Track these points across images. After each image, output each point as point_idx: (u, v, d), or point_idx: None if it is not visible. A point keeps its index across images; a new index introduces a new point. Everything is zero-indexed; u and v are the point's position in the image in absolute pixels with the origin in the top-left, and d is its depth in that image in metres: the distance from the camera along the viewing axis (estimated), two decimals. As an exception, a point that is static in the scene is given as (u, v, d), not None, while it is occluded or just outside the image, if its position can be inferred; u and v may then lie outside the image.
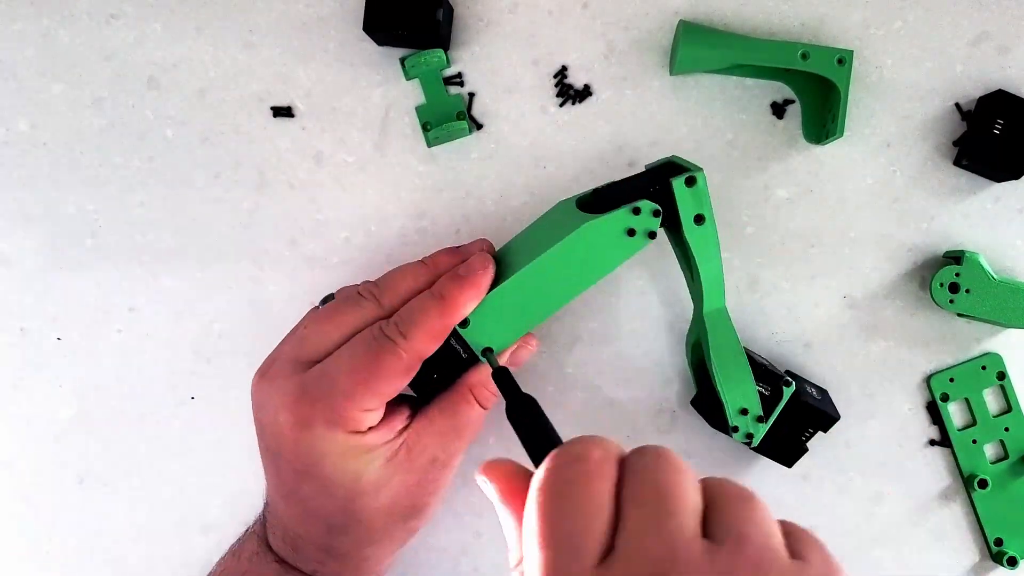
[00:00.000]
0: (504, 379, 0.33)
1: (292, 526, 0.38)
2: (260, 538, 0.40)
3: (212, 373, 0.46)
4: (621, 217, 0.37)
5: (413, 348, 0.36)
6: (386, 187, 0.45)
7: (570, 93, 0.44)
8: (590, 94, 0.44)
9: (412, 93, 0.44)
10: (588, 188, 0.44)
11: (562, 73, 0.44)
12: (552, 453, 0.26)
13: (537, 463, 0.27)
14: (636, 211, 0.36)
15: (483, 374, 0.39)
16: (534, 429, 0.30)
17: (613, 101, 0.44)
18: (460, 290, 0.37)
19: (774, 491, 0.45)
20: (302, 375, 0.36)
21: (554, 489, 0.25)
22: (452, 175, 0.44)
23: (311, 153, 0.45)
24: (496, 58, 0.44)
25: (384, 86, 0.44)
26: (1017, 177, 0.42)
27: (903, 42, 0.43)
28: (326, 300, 0.40)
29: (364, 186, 0.45)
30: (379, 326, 0.36)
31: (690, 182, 0.37)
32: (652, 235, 0.37)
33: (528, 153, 0.44)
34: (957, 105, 0.43)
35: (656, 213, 0.37)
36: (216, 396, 0.46)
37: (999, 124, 0.41)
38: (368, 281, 0.40)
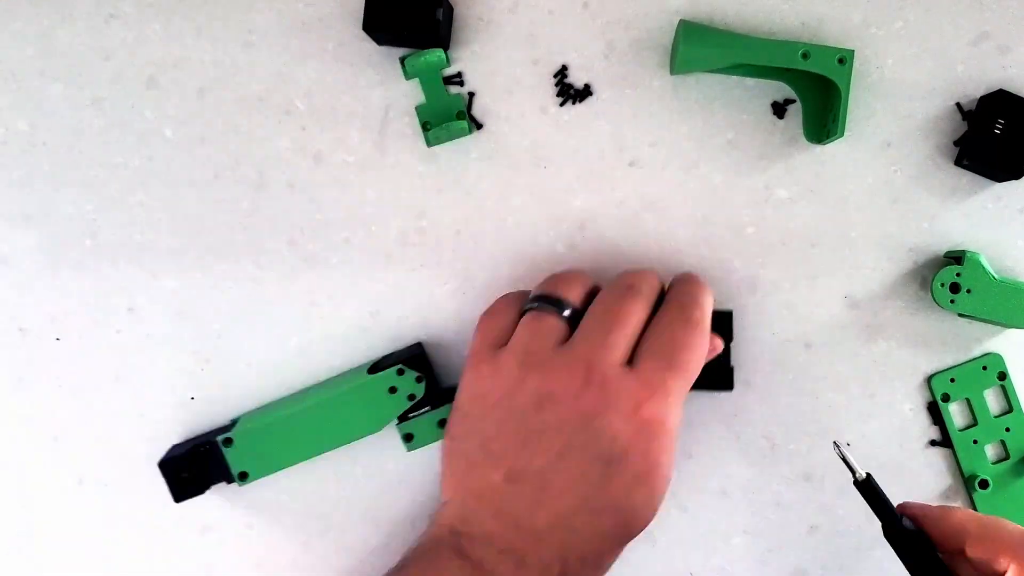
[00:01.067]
0: (874, 495, 0.37)
1: (563, 548, 0.36)
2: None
3: (212, 373, 0.46)
4: (387, 377, 0.42)
5: (708, 325, 0.38)
6: (386, 187, 0.45)
7: (570, 93, 0.44)
8: (590, 94, 0.44)
9: (412, 93, 0.44)
10: (587, 188, 0.44)
11: (562, 73, 0.44)
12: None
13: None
14: (400, 372, 0.42)
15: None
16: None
17: (613, 101, 0.44)
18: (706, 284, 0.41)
19: (774, 490, 0.45)
20: (635, 374, 0.37)
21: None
22: (452, 175, 0.44)
23: (311, 153, 0.45)
24: (496, 58, 0.44)
25: (384, 86, 0.44)
26: (1018, 177, 0.42)
27: (904, 42, 0.43)
28: (540, 300, 0.40)
29: (364, 186, 0.45)
30: (677, 307, 0.39)
31: None
32: (411, 397, 0.42)
33: (528, 153, 0.44)
34: (958, 105, 0.43)
35: (419, 379, 0.42)
36: (216, 396, 0.46)
37: (1000, 124, 0.41)
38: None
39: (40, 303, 0.45)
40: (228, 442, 0.42)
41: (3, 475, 0.46)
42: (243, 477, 0.42)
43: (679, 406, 0.37)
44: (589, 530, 0.36)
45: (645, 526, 0.37)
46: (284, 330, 0.45)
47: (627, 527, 0.36)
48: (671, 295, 0.40)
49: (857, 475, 0.36)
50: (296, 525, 0.46)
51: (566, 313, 0.39)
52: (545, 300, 0.39)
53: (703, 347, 0.38)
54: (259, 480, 0.44)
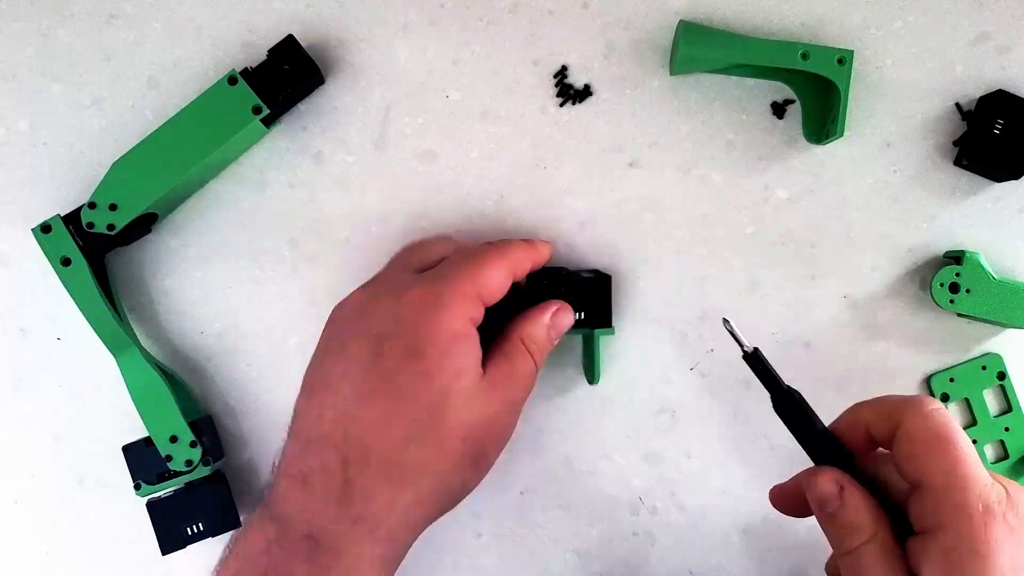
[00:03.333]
0: (761, 368, 0.35)
1: (344, 445, 0.35)
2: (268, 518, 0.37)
3: (212, 373, 0.46)
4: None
5: (509, 251, 0.39)
6: (386, 187, 0.45)
7: (570, 93, 0.44)
8: (590, 94, 0.44)
9: (412, 92, 0.44)
10: (587, 188, 0.44)
11: (562, 73, 0.44)
12: None
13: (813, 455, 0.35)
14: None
15: (535, 325, 0.40)
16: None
17: (613, 101, 0.44)
18: (544, 246, 0.42)
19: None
20: (417, 276, 0.38)
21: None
22: (452, 175, 0.44)
23: (311, 153, 0.45)
24: (496, 58, 0.44)
25: (384, 86, 0.44)
26: (1017, 177, 0.42)
27: (903, 42, 0.43)
28: None
29: (364, 186, 0.45)
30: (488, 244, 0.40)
31: None
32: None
33: (528, 153, 0.44)
34: (957, 105, 0.43)
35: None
36: (216, 396, 0.46)
37: (999, 124, 0.41)
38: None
39: (40, 303, 0.45)
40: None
41: (3, 475, 0.46)
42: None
43: (462, 300, 0.37)
44: (367, 415, 0.36)
45: (429, 413, 0.36)
46: (284, 330, 0.45)
47: (406, 411, 0.35)
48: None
49: (745, 348, 0.35)
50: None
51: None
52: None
53: (495, 263, 0.38)
54: (260, 478, 0.44)
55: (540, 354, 0.40)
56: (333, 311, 0.39)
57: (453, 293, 0.37)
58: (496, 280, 0.38)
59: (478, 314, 0.38)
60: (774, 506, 0.38)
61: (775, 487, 0.38)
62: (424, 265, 0.40)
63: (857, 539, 0.32)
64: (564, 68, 0.44)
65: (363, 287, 0.40)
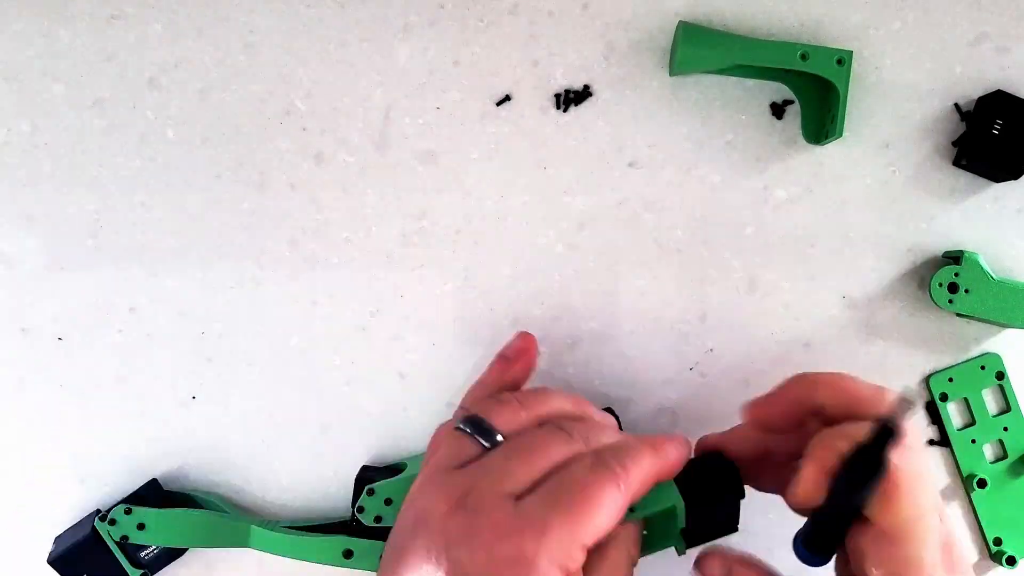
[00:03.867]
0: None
1: None
2: None
3: (212, 373, 0.46)
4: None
5: (630, 483, 0.33)
6: (386, 187, 0.45)
7: (570, 96, 0.44)
8: (590, 94, 0.44)
9: (412, 92, 0.44)
10: (587, 188, 0.44)
11: (566, 94, 0.44)
12: None
13: None
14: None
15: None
16: None
17: (613, 101, 0.44)
18: (675, 448, 0.36)
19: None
20: (515, 508, 0.32)
21: None
22: (452, 175, 0.45)
23: (311, 153, 0.45)
24: (496, 58, 0.44)
25: (384, 86, 0.44)
26: (1016, 177, 0.42)
27: (903, 42, 0.43)
28: (469, 423, 0.36)
29: (364, 186, 0.45)
30: (596, 453, 0.34)
31: None
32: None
33: (528, 153, 0.44)
34: (956, 105, 0.43)
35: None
36: (216, 396, 0.46)
37: (998, 124, 0.41)
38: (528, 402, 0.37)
39: (42, 303, 0.46)
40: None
41: (3, 475, 0.47)
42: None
43: (562, 555, 0.31)
44: None
45: None
46: (284, 330, 0.45)
47: None
48: (605, 448, 0.35)
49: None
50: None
51: (491, 442, 0.35)
52: (474, 425, 0.36)
53: (609, 498, 0.32)
54: (259, 478, 0.44)
55: None
56: (418, 504, 0.34)
57: (553, 560, 0.31)
58: (610, 519, 0.32)
59: (592, 540, 0.32)
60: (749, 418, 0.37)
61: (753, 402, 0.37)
62: (531, 481, 0.33)
63: None
64: (568, 91, 0.44)
65: (451, 489, 0.33)
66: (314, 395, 0.46)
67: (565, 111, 0.44)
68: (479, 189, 0.45)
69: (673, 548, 0.38)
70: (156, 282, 0.45)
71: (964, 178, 0.43)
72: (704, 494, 0.36)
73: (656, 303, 0.45)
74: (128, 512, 0.43)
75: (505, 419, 0.36)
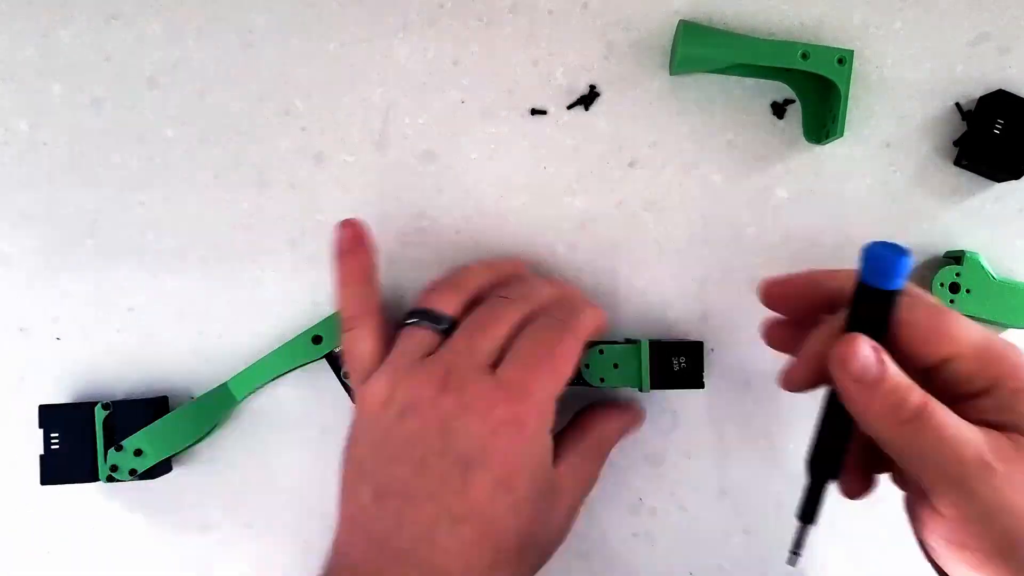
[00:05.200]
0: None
1: (427, 567, 0.34)
2: None
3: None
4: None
5: (581, 335, 0.37)
6: (386, 187, 0.45)
7: (581, 99, 0.44)
8: (597, 95, 0.44)
9: (412, 92, 0.44)
10: (587, 188, 0.44)
11: (561, 75, 0.44)
12: None
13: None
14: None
15: (616, 429, 0.42)
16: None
17: (613, 101, 0.44)
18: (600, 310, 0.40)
19: (774, 490, 0.45)
20: (495, 377, 0.36)
21: None
22: (452, 175, 0.44)
23: (311, 153, 0.45)
24: (496, 58, 0.44)
25: (384, 86, 0.44)
26: (1017, 177, 0.42)
27: (903, 42, 0.43)
28: (415, 315, 0.39)
29: (364, 186, 0.45)
30: (547, 314, 0.38)
31: None
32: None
33: (528, 153, 0.44)
34: (957, 105, 0.43)
35: None
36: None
37: (999, 124, 0.41)
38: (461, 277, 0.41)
39: (41, 303, 0.45)
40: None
41: (3, 475, 0.46)
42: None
43: (545, 409, 0.36)
44: (452, 542, 0.34)
45: (517, 540, 0.35)
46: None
47: (494, 539, 0.35)
48: (549, 304, 0.39)
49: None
50: (296, 525, 0.46)
51: (442, 327, 0.38)
52: (421, 315, 0.39)
53: (572, 352, 0.37)
54: (259, 480, 0.44)
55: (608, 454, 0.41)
56: (405, 395, 0.36)
57: (540, 415, 0.36)
58: (572, 372, 0.37)
59: (560, 392, 0.37)
60: (765, 338, 0.39)
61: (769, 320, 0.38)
62: (496, 349, 0.37)
63: (916, 397, 0.30)
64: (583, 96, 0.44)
65: (436, 380, 0.36)
66: (314, 395, 0.46)
67: (587, 109, 0.44)
68: (479, 189, 0.44)
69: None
70: (155, 282, 0.45)
71: (965, 178, 0.43)
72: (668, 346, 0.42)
73: (656, 303, 0.45)
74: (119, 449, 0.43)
75: (445, 303, 0.39)
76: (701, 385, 0.42)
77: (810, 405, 0.45)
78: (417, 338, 0.38)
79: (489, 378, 0.36)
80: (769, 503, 0.45)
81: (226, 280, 0.45)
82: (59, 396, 0.46)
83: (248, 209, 0.45)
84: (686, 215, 0.44)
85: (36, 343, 0.46)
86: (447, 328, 0.38)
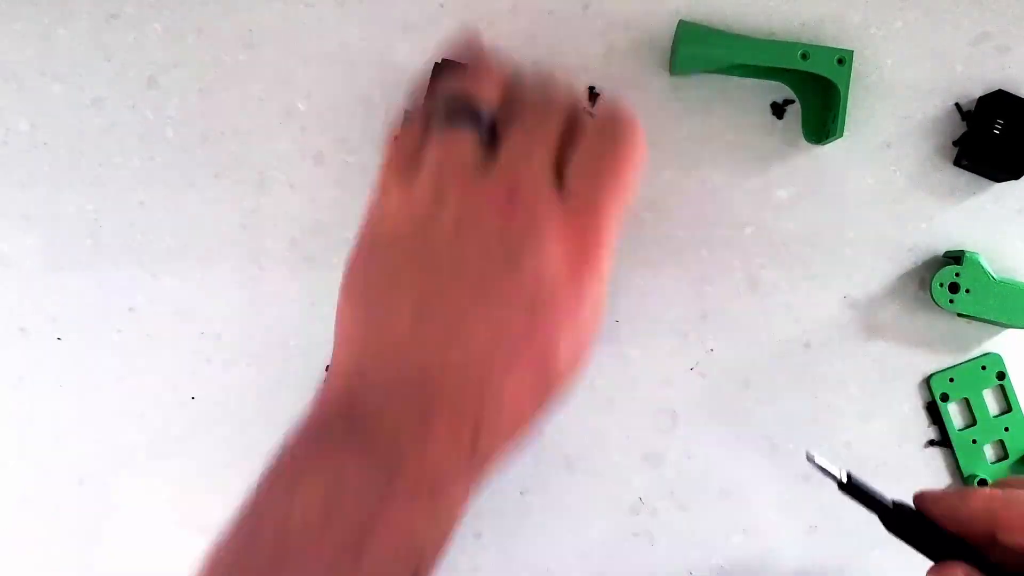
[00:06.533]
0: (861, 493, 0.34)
1: (479, 408, 0.29)
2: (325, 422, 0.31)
3: (212, 373, 0.46)
4: None
5: (641, 138, 0.33)
6: (386, 187, 0.45)
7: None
8: (596, 95, 0.44)
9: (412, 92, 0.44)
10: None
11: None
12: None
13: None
14: None
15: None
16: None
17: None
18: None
19: (774, 490, 0.45)
20: (561, 195, 0.31)
21: None
22: (452, 175, 0.44)
23: (311, 153, 0.45)
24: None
25: (384, 86, 0.44)
26: (1017, 177, 0.42)
27: (903, 42, 0.43)
28: (453, 111, 0.33)
29: (364, 186, 0.45)
30: (599, 123, 0.33)
31: None
32: None
33: (528, 153, 0.44)
34: (957, 105, 0.43)
35: None
36: (216, 396, 0.46)
37: (999, 124, 0.41)
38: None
39: (41, 303, 0.45)
40: None
41: (3, 475, 0.46)
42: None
43: (615, 231, 0.31)
44: (509, 378, 0.30)
45: (564, 382, 0.31)
46: (284, 330, 0.45)
47: (549, 378, 0.31)
48: (598, 111, 0.34)
49: (840, 478, 0.34)
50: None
51: (482, 124, 0.32)
52: (457, 111, 0.33)
53: (639, 162, 0.32)
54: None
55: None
56: (458, 198, 0.31)
57: (610, 241, 0.31)
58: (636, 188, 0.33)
59: None
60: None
61: None
62: (554, 161, 0.32)
63: None
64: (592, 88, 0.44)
65: (500, 182, 0.31)
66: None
67: (593, 106, 0.44)
68: (479, 189, 0.44)
69: None
70: (155, 282, 0.45)
71: (965, 178, 0.43)
72: None
73: (656, 303, 0.45)
74: None
75: (479, 90, 0.33)
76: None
77: (810, 405, 0.45)
78: (462, 141, 0.32)
79: (555, 195, 0.31)
80: (769, 503, 0.45)
81: (226, 280, 0.45)
82: (59, 396, 0.46)
83: (248, 209, 0.45)
84: (686, 215, 0.44)
85: (36, 343, 0.46)
86: (489, 126, 0.33)
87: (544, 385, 0.31)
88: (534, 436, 0.34)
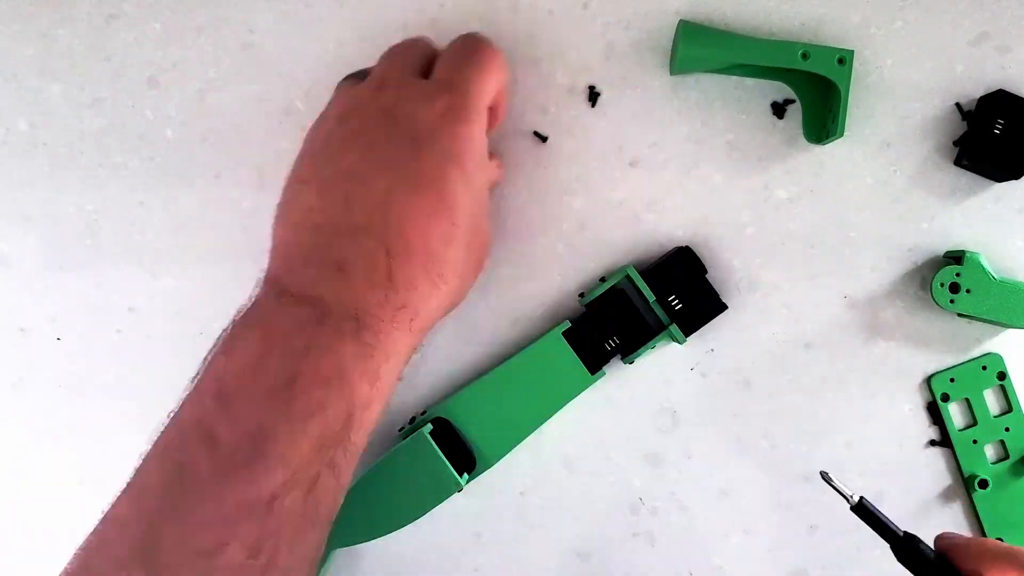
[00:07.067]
0: (872, 518, 0.35)
1: (384, 237, 0.35)
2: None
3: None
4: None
5: (500, 64, 0.39)
6: (386, 187, 0.45)
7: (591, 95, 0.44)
8: (598, 94, 0.44)
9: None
10: (587, 188, 0.44)
11: (561, 75, 0.44)
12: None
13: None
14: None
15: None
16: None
17: (613, 101, 0.44)
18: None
19: (774, 490, 0.45)
20: (429, 80, 0.37)
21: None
22: (452, 175, 0.44)
23: (311, 153, 0.45)
24: (496, 58, 0.44)
25: (384, 86, 0.44)
26: (1017, 177, 0.42)
27: (903, 42, 0.43)
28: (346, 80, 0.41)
29: (364, 186, 0.45)
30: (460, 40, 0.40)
31: None
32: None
33: (529, 153, 0.44)
34: (957, 105, 0.43)
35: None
36: (216, 396, 0.46)
37: (999, 124, 0.41)
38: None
39: (40, 303, 0.45)
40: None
41: (3, 475, 0.46)
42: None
43: (481, 104, 0.37)
44: (409, 209, 0.35)
45: (468, 220, 0.36)
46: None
47: (449, 210, 0.35)
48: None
49: (851, 501, 0.35)
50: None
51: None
52: (350, 77, 0.41)
53: (496, 54, 0.38)
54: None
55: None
56: (340, 106, 0.38)
57: (477, 106, 0.37)
58: (499, 91, 0.39)
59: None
60: None
61: None
62: (422, 68, 0.39)
63: None
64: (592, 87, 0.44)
65: (371, 87, 0.38)
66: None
67: (564, 108, 0.44)
68: (479, 189, 0.44)
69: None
70: (155, 282, 0.45)
71: (965, 178, 0.43)
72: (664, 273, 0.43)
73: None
74: None
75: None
76: (724, 307, 0.43)
77: (810, 405, 0.45)
78: (352, 88, 0.39)
79: (424, 80, 0.37)
80: (769, 503, 0.45)
81: (226, 280, 0.45)
82: (59, 396, 0.46)
83: (248, 209, 0.45)
84: (686, 215, 0.44)
85: (36, 343, 0.46)
86: None
87: (443, 212, 0.35)
88: (466, 291, 0.39)
